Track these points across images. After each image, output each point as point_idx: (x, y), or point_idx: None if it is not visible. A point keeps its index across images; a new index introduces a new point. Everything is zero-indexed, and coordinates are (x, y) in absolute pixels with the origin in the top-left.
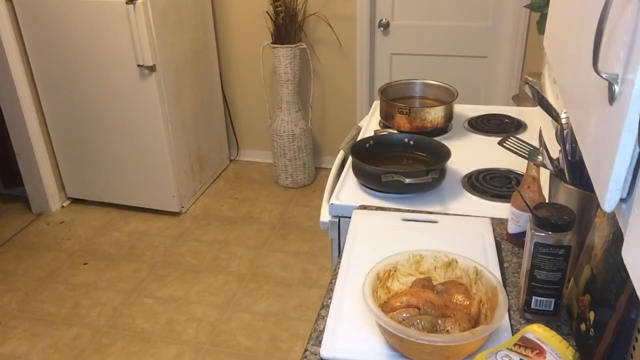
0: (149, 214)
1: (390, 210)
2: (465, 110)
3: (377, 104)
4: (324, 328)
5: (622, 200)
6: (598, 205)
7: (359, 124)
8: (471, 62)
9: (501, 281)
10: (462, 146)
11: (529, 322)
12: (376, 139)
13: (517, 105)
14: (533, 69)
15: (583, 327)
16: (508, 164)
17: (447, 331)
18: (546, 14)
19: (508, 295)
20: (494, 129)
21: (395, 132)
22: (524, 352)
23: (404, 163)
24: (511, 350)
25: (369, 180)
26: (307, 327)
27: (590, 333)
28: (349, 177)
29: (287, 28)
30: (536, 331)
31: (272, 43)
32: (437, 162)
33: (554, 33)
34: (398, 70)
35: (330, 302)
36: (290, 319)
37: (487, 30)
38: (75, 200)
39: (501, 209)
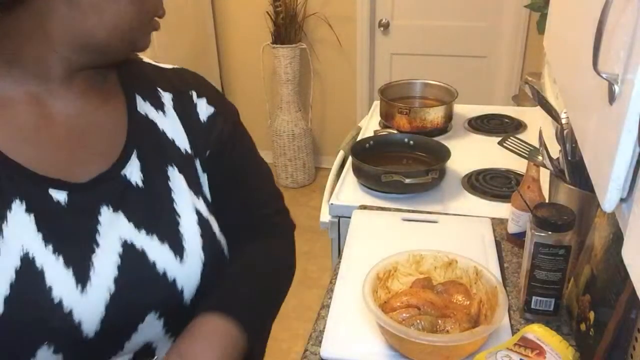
0: None
1: (390, 210)
2: (465, 110)
3: (377, 104)
4: (324, 328)
5: (622, 200)
6: (598, 205)
7: (359, 124)
8: (471, 62)
9: (501, 281)
10: (462, 146)
11: (529, 322)
12: (376, 139)
13: (517, 105)
14: (533, 69)
15: (583, 327)
16: (508, 164)
17: (447, 331)
18: (546, 14)
19: (508, 295)
20: (494, 129)
21: (395, 132)
22: (524, 352)
23: (404, 163)
24: (511, 350)
25: (369, 180)
26: (307, 327)
27: (590, 333)
28: (349, 177)
29: (287, 28)
30: (536, 331)
31: (272, 43)
32: (437, 162)
33: (554, 33)
34: (398, 70)
35: (330, 302)
36: (290, 319)
37: (487, 30)
38: None
39: (501, 209)
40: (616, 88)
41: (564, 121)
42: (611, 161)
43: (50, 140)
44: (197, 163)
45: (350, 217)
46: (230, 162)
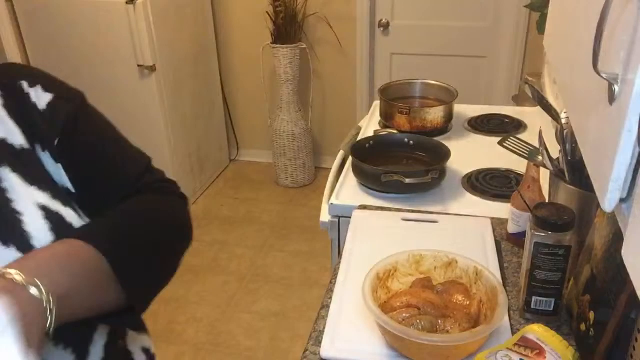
0: None
1: (390, 210)
2: (465, 110)
3: (377, 104)
4: (324, 328)
5: (622, 200)
6: (598, 205)
7: (359, 124)
8: (471, 62)
9: (501, 281)
10: (462, 146)
11: (529, 322)
12: (376, 139)
13: (517, 105)
14: (533, 69)
15: (583, 327)
16: (508, 164)
17: (447, 331)
18: (546, 14)
19: (508, 295)
20: (494, 129)
21: (395, 132)
22: (524, 352)
23: (404, 163)
24: (511, 350)
25: (369, 180)
26: (307, 327)
27: (590, 333)
28: (349, 177)
29: (287, 28)
30: (536, 331)
31: (272, 43)
32: (437, 162)
33: (554, 33)
34: (398, 70)
35: (330, 302)
36: (290, 319)
37: (487, 30)
38: None
39: (501, 209)
40: (616, 88)
41: (564, 121)
42: (611, 161)
43: None
44: (44, 154)
45: (350, 217)
46: (85, 144)
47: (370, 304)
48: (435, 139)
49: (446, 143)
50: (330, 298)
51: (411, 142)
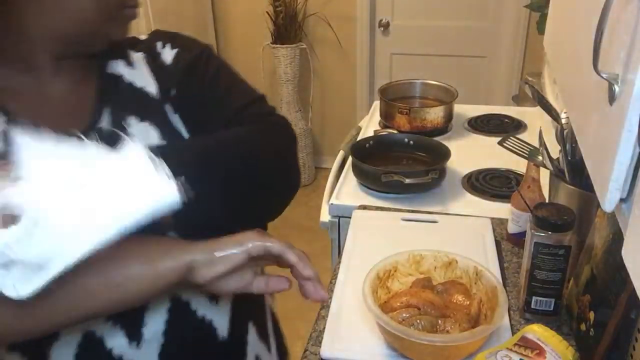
0: None
1: (390, 210)
2: (465, 110)
3: (377, 104)
4: (324, 328)
5: (622, 200)
6: (598, 205)
7: (359, 124)
8: (471, 62)
9: (501, 281)
10: (462, 146)
11: (529, 322)
12: (376, 139)
13: (517, 105)
14: (533, 69)
15: (583, 327)
16: (508, 164)
17: (447, 331)
18: (546, 14)
19: (508, 295)
20: (494, 129)
21: (395, 132)
22: (524, 352)
23: (404, 163)
24: (511, 350)
25: (369, 180)
26: (307, 327)
27: (590, 333)
28: (349, 177)
29: (287, 28)
30: (536, 331)
31: (272, 43)
32: (437, 162)
33: (554, 33)
34: (398, 70)
35: (330, 302)
36: (290, 319)
37: (487, 30)
38: None
39: (501, 209)
40: (616, 88)
41: (564, 121)
42: (611, 161)
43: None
44: (167, 106)
45: (350, 217)
46: (198, 91)
47: (370, 304)
48: (435, 139)
49: (446, 143)
50: (330, 298)
51: (411, 142)
